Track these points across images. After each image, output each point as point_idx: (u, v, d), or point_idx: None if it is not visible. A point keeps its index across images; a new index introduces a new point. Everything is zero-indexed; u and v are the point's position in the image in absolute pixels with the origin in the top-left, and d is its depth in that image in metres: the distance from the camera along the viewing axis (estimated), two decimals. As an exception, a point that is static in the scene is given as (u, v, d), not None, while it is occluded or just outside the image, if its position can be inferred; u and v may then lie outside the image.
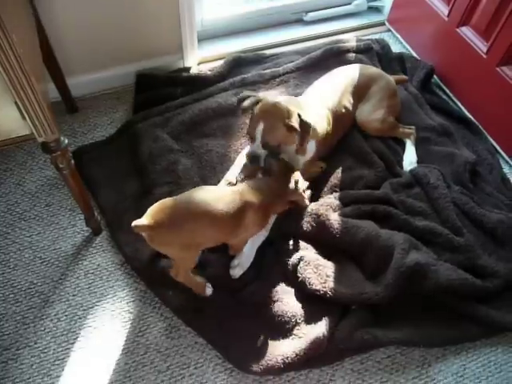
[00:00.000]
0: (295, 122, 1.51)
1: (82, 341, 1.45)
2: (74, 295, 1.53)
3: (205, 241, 1.37)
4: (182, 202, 1.30)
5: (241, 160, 1.77)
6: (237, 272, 1.52)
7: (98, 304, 1.51)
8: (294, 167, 1.56)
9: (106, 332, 1.46)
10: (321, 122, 1.66)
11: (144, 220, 1.24)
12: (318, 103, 1.71)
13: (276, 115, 1.52)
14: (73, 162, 1.37)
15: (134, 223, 1.23)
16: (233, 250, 1.52)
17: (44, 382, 1.36)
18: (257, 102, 1.56)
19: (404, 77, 2.12)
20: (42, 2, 1.67)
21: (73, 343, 1.44)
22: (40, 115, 1.13)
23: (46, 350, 1.42)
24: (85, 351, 1.43)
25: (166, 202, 1.30)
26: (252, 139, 1.57)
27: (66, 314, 1.49)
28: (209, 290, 1.49)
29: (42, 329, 1.46)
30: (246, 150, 1.71)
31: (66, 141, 1.29)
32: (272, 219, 1.56)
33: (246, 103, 1.57)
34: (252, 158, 1.57)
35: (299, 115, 1.51)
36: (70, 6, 1.77)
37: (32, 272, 1.57)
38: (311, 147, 1.67)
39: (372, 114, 1.84)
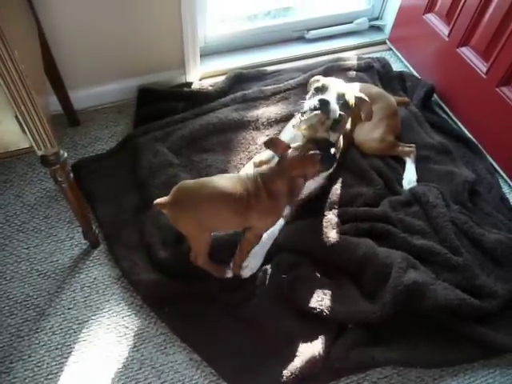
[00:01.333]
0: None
1: (77, 355, 1.44)
2: (69, 308, 1.52)
3: (219, 224, 1.44)
4: (201, 184, 1.39)
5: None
6: (246, 272, 1.53)
7: (93, 318, 1.51)
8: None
9: (100, 346, 1.45)
10: None
11: (165, 198, 1.37)
12: None
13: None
14: (72, 175, 1.37)
15: (155, 201, 1.37)
16: (243, 247, 1.53)
17: (36, 397, 1.36)
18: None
19: (406, 99, 2.13)
20: (45, 15, 1.69)
21: (67, 357, 1.43)
22: (40, 129, 1.14)
23: (39, 364, 1.41)
24: (79, 365, 1.42)
25: (187, 182, 1.42)
26: (322, 89, 1.52)
27: (61, 327, 1.48)
28: (229, 272, 1.54)
29: (37, 342, 1.45)
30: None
31: (66, 154, 1.29)
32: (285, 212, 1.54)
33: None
34: (323, 102, 1.45)
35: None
36: (73, 20, 1.80)
37: (28, 284, 1.56)
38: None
39: (370, 133, 1.85)
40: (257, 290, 1.51)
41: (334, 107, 1.47)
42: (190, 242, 1.47)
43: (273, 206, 1.39)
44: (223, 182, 1.38)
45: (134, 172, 1.81)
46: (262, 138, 1.95)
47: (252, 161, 1.79)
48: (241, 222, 1.43)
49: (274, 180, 1.36)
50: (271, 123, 1.99)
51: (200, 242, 1.45)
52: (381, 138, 1.84)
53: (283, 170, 1.36)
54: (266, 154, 1.75)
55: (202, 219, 1.37)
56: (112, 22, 1.87)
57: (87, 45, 1.90)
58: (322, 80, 1.59)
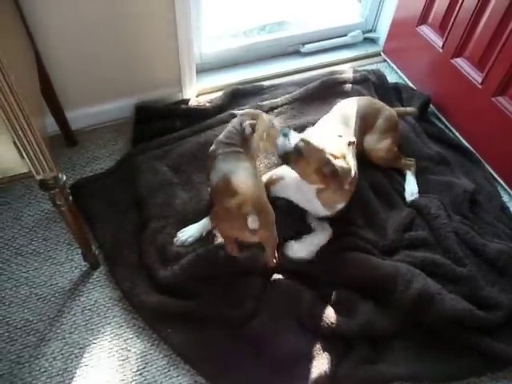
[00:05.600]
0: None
1: (79, 380, 1.41)
2: (70, 333, 1.49)
3: None
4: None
5: None
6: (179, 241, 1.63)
7: (95, 342, 1.48)
8: None
9: (103, 371, 1.43)
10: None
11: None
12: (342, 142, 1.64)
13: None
14: (71, 198, 1.36)
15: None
16: None
17: (38, 425, 1.33)
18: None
19: (410, 109, 2.13)
20: (41, 35, 1.69)
21: (69, 383, 1.40)
22: (38, 154, 1.13)
23: (41, 391, 1.39)
24: (81, 391, 1.39)
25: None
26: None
27: (62, 352, 1.46)
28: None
29: (38, 368, 1.42)
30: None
31: (64, 177, 1.28)
32: None
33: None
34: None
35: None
36: (68, 40, 1.80)
37: (28, 309, 1.54)
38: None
39: (378, 143, 1.86)
40: (260, 307, 1.49)
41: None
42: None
43: None
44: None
45: (134, 191, 1.80)
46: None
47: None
48: None
49: None
50: (269, 138, 1.98)
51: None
52: (388, 148, 1.85)
53: None
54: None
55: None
56: (107, 41, 1.87)
57: (83, 65, 1.90)
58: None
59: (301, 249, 1.61)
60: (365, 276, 1.56)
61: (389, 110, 1.94)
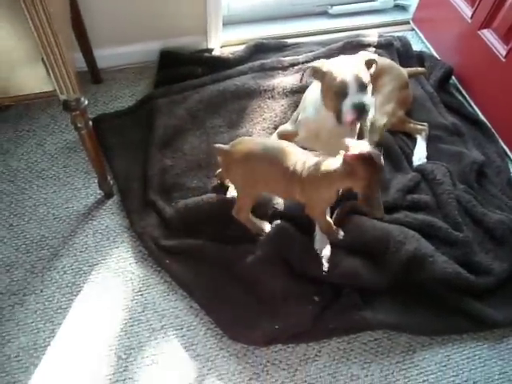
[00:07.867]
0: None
1: (85, 294, 1.53)
2: (81, 251, 1.61)
3: (265, 186, 1.49)
4: (262, 144, 1.47)
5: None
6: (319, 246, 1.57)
7: (102, 262, 1.60)
8: None
9: (107, 288, 1.54)
10: None
11: (225, 146, 1.47)
12: None
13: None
14: (91, 123, 1.44)
15: (216, 145, 1.50)
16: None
17: (46, 328, 1.45)
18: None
19: (421, 69, 2.13)
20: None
21: (76, 295, 1.52)
22: (64, 73, 1.21)
23: (50, 299, 1.51)
24: (86, 303, 1.51)
25: (250, 139, 1.53)
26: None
27: (73, 268, 1.58)
28: (267, 227, 1.60)
29: (49, 279, 1.55)
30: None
31: (86, 101, 1.36)
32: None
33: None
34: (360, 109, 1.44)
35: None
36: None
37: (44, 226, 1.66)
38: None
39: (382, 107, 1.85)
40: (257, 247, 1.56)
41: (368, 104, 1.46)
42: (237, 195, 1.55)
43: (310, 197, 1.44)
44: (282, 149, 1.42)
45: (149, 131, 1.87)
46: (276, 106, 1.99)
47: (276, 132, 1.80)
48: (285, 192, 1.49)
49: (322, 181, 1.37)
50: (286, 93, 2.02)
51: (245, 198, 1.52)
52: (392, 112, 1.85)
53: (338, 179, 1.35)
54: (289, 125, 1.77)
55: (251, 177, 1.44)
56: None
57: (114, 5, 1.96)
58: (324, 66, 1.49)
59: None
60: (358, 238, 1.60)
61: (398, 69, 1.93)
